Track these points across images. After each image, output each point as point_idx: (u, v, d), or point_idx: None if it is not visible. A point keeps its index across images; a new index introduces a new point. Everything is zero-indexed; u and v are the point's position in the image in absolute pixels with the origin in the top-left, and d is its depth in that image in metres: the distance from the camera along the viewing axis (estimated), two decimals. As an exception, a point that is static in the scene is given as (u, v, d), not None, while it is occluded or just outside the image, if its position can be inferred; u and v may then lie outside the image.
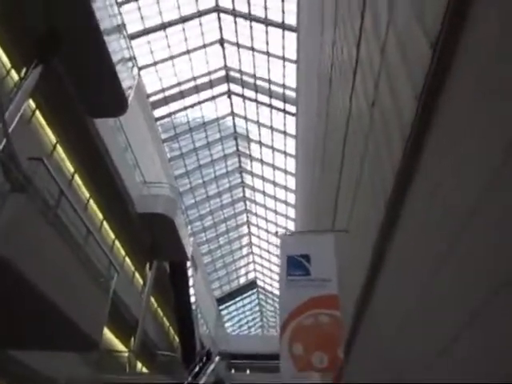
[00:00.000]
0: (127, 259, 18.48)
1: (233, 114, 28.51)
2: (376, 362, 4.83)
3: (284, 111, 25.14)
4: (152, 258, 19.65)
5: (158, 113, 25.57)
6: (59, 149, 12.64)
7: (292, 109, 24.35)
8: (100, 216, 15.08)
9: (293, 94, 23.47)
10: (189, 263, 22.95)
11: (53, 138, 12.25)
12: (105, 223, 15.62)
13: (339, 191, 7.51)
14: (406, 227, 3.63)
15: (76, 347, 8.82)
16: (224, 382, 24.01)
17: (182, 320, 22.11)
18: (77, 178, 13.41)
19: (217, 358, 24.02)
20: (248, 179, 33.71)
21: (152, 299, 21.57)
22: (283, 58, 22.36)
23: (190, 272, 22.58)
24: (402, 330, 3.73)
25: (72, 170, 13.27)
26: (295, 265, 5.65)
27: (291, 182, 28.35)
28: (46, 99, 11.23)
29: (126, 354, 15.93)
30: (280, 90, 24.39)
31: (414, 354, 3.38)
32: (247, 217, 37.58)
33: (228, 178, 32.97)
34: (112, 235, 16.26)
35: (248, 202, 36.13)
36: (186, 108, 26.17)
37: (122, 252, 17.44)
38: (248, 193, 35.12)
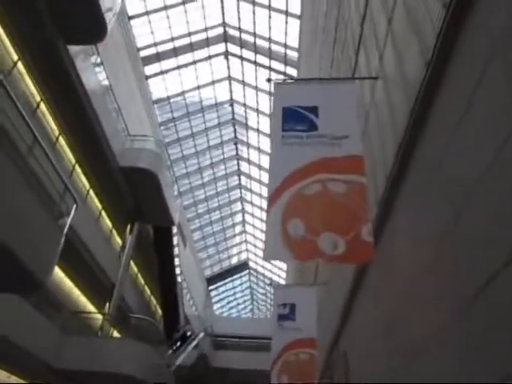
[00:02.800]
0: (106, 219, 16.89)
1: (229, 77, 26.78)
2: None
3: (284, 74, 23.42)
4: (134, 219, 18.05)
5: (149, 70, 23.84)
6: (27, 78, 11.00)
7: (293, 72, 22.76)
8: (71, 158, 13.41)
9: (294, 56, 21.83)
10: (175, 230, 21.37)
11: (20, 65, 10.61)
12: (79, 171, 14.01)
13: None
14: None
15: (17, 286, 7.24)
16: (208, 358, 22.58)
17: (165, 291, 20.59)
18: (44, 108, 11.72)
19: (201, 334, 22.56)
20: (244, 151, 32.10)
21: (133, 265, 20.03)
22: (286, 13, 20.61)
23: (175, 240, 20.97)
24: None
25: (45, 108, 11.65)
26: (296, 118, 4.00)
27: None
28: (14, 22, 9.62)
29: (100, 319, 14.40)
30: (281, 50, 22.68)
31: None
32: (241, 192, 35.95)
33: (222, 149, 31.30)
34: (85, 181, 14.59)
35: (243, 177, 34.49)
36: (179, 67, 24.39)
37: (98, 204, 15.77)
38: (243, 166, 33.50)
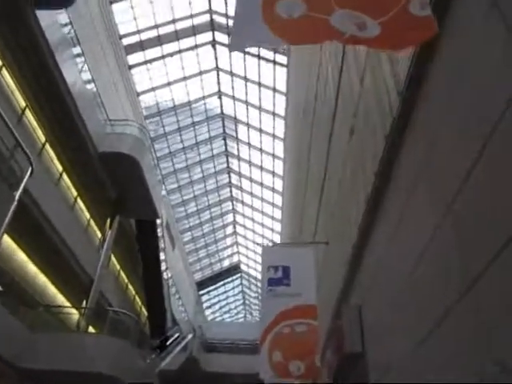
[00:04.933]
0: (85, 210, 15.66)
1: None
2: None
3: (274, 62, 22.48)
4: (115, 211, 16.83)
5: (132, 59, 22.78)
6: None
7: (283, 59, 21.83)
8: (41, 136, 12.23)
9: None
10: (159, 224, 20.15)
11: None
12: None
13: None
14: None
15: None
16: (198, 361, 21.27)
17: (150, 289, 19.31)
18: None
19: (189, 336, 21.26)
20: (234, 148, 30.99)
21: (115, 261, 18.77)
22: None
23: (160, 232, 19.74)
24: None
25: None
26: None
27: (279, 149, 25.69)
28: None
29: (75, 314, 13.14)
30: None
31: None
32: (231, 191, 34.77)
33: (211, 145, 30.16)
34: (58, 163, 13.41)
35: (232, 175, 33.33)
36: (164, 56, 23.33)
37: (73, 191, 14.54)
38: (234, 163, 32.38)
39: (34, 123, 11.73)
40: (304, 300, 5.29)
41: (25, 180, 6.65)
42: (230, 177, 33.50)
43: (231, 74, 25.30)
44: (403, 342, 3.02)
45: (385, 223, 3.49)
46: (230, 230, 39.09)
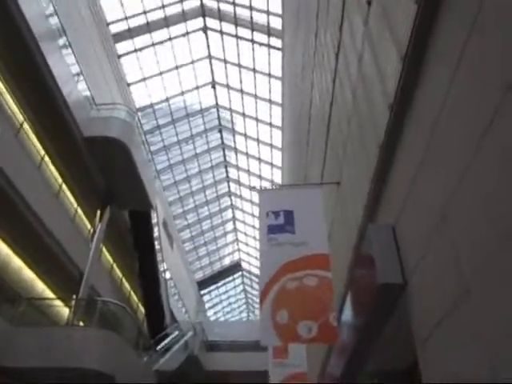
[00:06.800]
0: (73, 200, 14.75)
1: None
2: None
3: (268, 46, 21.62)
4: (105, 201, 15.89)
5: (121, 48, 21.91)
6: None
7: (277, 43, 21.00)
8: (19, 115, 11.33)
9: (278, 24, 20.06)
10: (154, 218, 19.23)
11: None
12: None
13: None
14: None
15: None
16: (199, 361, 20.30)
17: (146, 285, 18.37)
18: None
19: (189, 333, 20.29)
20: (230, 140, 30.10)
21: (107, 255, 17.85)
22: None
23: (154, 220, 18.79)
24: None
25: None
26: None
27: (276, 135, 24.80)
28: None
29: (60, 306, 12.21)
30: (264, 19, 20.87)
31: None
32: (228, 186, 33.81)
33: (207, 138, 29.24)
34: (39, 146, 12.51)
35: (230, 169, 32.39)
36: (154, 44, 22.44)
37: (58, 177, 13.62)
38: (231, 157, 31.47)
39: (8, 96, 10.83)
40: (312, 249, 4.38)
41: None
42: (227, 171, 32.58)
43: (224, 61, 24.42)
44: (453, 269, 2.12)
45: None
46: (229, 226, 38.11)
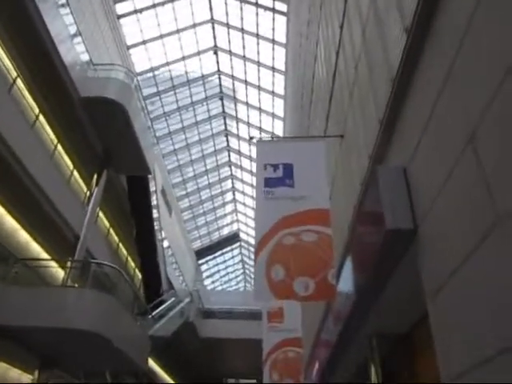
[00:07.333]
0: (70, 162, 14.46)
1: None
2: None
3: (273, 10, 20.90)
4: (102, 164, 15.59)
5: (121, 9, 21.20)
6: None
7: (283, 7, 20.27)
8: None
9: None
10: (153, 186, 18.99)
11: None
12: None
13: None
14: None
15: None
16: (195, 326, 20.42)
17: (143, 250, 18.30)
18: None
19: (186, 300, 20.35)
20: (231, 108, 29.55)
21: (104, 219, 17.69)
22: None
23: (153, 186, 18.57)
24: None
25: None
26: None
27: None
28: None
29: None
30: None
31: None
32: (229, 155, 33.42)
33: (207, 106, 28.70)
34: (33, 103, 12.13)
35: (230, 138, 31.94)
36: (155, 5, 21.70)
37: (54, 138, 13.29)
38: (232, 126, 31.00)
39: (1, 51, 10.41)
40: (312, 203, 4.12)
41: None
42: (227, 140, 32.15)
43: (227, 25, 23.69)
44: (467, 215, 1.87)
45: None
46: (229, 197, 37.94)
